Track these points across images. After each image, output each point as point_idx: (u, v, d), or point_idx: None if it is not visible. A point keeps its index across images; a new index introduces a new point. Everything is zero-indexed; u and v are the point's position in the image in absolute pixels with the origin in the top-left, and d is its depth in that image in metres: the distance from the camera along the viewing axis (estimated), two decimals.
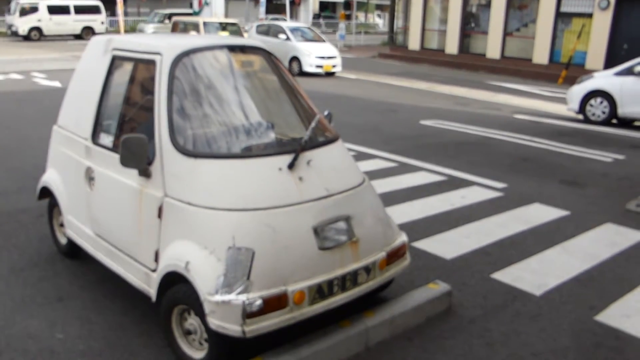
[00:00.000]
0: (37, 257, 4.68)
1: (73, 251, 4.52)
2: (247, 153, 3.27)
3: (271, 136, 3.48)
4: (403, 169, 7.45)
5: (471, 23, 22.72)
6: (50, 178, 4.49)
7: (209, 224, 3.06)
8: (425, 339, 3.59)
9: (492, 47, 21.33)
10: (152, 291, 3.36)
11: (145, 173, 3.35)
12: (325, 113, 4.13)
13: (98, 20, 30.85)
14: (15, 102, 12.04)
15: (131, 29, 35.53)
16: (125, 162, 3.24)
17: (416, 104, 13.17)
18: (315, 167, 3.34)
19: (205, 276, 2.96)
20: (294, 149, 3.30)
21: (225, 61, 3.73)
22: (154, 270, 3.34)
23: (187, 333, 3.23)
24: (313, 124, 3.45)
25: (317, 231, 3.18)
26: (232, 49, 3.81)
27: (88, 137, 3.95)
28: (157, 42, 3.64)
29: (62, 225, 4.57)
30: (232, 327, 2.90)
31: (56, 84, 14.77)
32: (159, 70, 3.42)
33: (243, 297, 2.90)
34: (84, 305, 3.93)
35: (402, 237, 3.72)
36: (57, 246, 4.73)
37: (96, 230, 3.92)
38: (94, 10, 30.89)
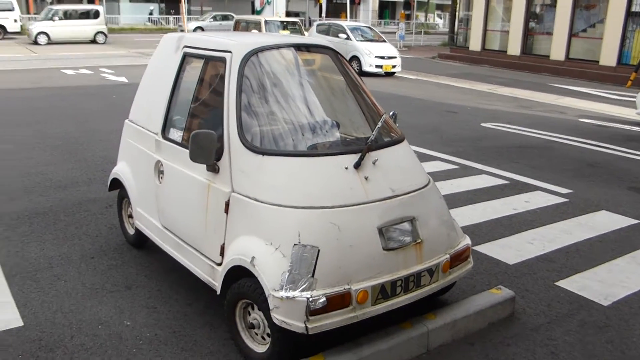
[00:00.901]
0: (106, 245, 4.85)
1: (140, 242, 4.67)
2: (314, 151, 3.29)
3: (337, 135, 3.50)
4: (464, 171, 7.36)
5: (535, 23, 22.17)
6: (121, 170, 4.64)
7: (275, 220, 3.10)
8: (488, 344, 3.54)
9: (556, 48, 20.74)
10: (216, 284, 3.43)
11: (213, 168, 3.42)
12: (391, 113, 4.12)
13: (10, 18, 27.95)
14: (84, 96, 12.49)
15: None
16: (194, 156, 3.32)
17: (477, 106, 12.95)
18: (381, 167, 3.34)
19: (271, 272, 3.01)
20: (360, 148, 3.31)
21: (293, 60, 3.77)
22: (219, 264, 3.41)
23: (250, 327, 3.28)
24: (379, 124, 3.46)
25: (382, 231, 3.18)
26: (300, 47, 3.85)
27: (158, 131, 4.07)
28: (227, 40, 3.71)
29: (130, 216, 4.72)
30: (295, 323, 2.93)
31: (123, 79, 15.26)
32: (228, 68, 3.49)
33: (307, 294, 2.93)
34: (150, 294, 4.06)
35: (466, 241, 3.68)
36: (125, 236, 4.89)
37: (164, 223, 4.03)
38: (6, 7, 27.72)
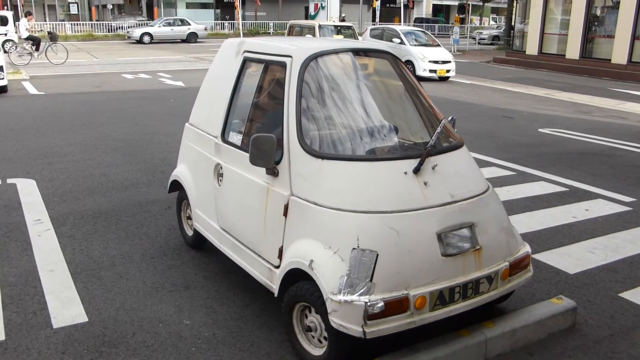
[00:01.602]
0: (165, 246, 4.98)
1: (198, 243, 4.77)
2: (373, 156, 3.30)
3: (396, 140, 3.50)
4: (521, 177, 7.21)
5: (595, 26, 21.54)
6: (181, 172, 4.76)
7: (334, 224, 3.12)
8: (547, 355, 3.46)
9: (618, 51, 20.10)
10: (274, 286, 3.47)
11: (272, 172, 3.47)
12: (449, 118, 4.08)
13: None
14: (143, 99, 12.85)
15: (249, 32, 36.89)
16: (254, 160, 3.37)
17: (533, 111, 12.68)
18: (440, 172, 3.32)
19: (329, 275, 3.03)
20: (419, 153, 3.30)
21: (352, 64, 3.79)
22: (277, 267, 3.45)
23: (307, 330, 3.31)
24: (438, 129, 3.44)
25: (441, 237, 3.16)
26: (358, 52, 3.87)
27: (218, 135, 4.15)
28: (287, 45, 3.76)
29: (189, 217, 4.83)
30: (353, 327, 2.94)
31: (179, 83, 15.62)
32: (289, 72, 3.53)
33: (365, 299, 2.93)
34: (208, 295, 4.14)
35: (526, 248, 3.61)
36: (184, 237, 5.00)
37: (222, 225, 4.11)
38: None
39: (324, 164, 3.23)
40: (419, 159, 3.25)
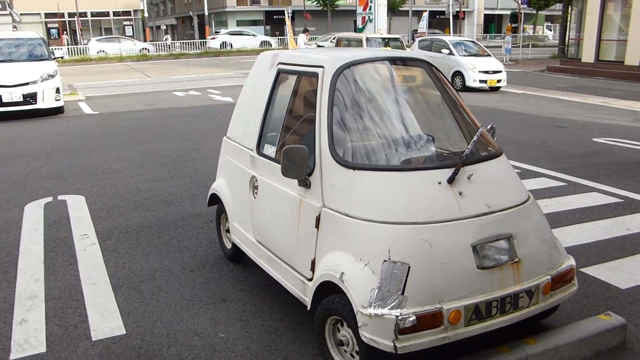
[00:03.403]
0: (205, 259, 5.00)
1: (237, 256, 4.77)
2: (406, 166, 3.22)
3: (431, 149, 3.41)
4: (572, 188, 6.95)
5: None
6: (219, 186, 4.78)
7: (365, 235, 3.05)
8: None
9: None
10: (307, 299, 3.42)
11: (304, 183, 3.43)
12: (489, 127, 3.96)
13: None
14: (192, 116, 13.09)
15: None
16: (286, 172, 3.34)
17: (589, 120, 12.27)
18: (476, 182, 3.21)
19: (359, 288, 2.96)
20: (454, 162, 3.20)
21: (386, 74, 3.73)
22: (310, 279, 3.40)
23: (339, 344, 3.24)
24: (475, 138, 3.33)
25: (477, 249, 3.04)
26: (394, 61, 3.81)
27: (253, 147, 4.15)
28: (320, 55, 3.73)
29: (227, 230, 4.84)
30: (383, 342, 2.85)
31: (228, 99, 15.85)
32: (320, 83, 3.50)
33: (396, 312, 2.84)
34: (244, 308, 4.12)
35: (570, 261, 3.45)
36: (223, 250, 5.01)
37: (258, 237, 4.10)
38: None
39: (355, 174, 3.18)
40: (454, 169, 3.15)
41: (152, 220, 6.02)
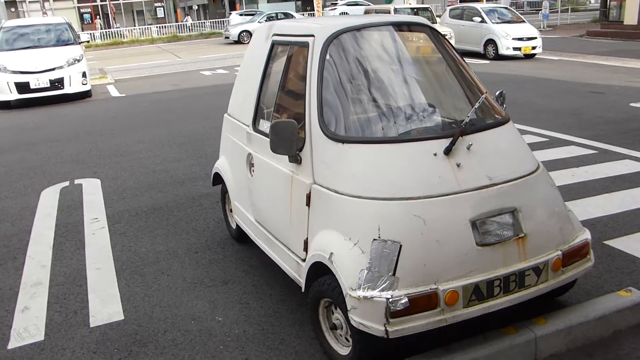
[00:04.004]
0: (211, 240, 4.88)
1: (242, 236, 4.62)
2: (398, 137, 2.99)
3: (431, 119, 3.16)
4: (603, 156, 6.56)
5: None
6: (221, 164, 4.63)
7: (354, 213, 2.85)
8: (610, 356, 3.02)
9: None
10: (302, 281, 3.25)
11: (295, 159, 3.24)
12: (497, 92, 3.68)
13: None
14: (217, 94, 12.97)
15: None
16: (275, 147, 3.15)
17: (628, 85, 11.65)
18: (477, 152, 2.96)
19: (348, 269, 2.76)
20: (452, 132, 2.95)
21: (383, 40, 3.48)
22: (304, 260, 3.23)
23: (333, 327, 3.06)
24: (477, 104, 3.07)
25: (476, 225, 2.80)
26: (392, 27, 3.54)
27: (250, 123, 3.97)
28: (312, 24, 3.51)
29: (231, 210, 4.70)
30: (374, 326, 2.66)
31: None
32: (311, 52, 3.28)
33: (387, 295, 2.64)
34: (245, 290, 3.98)
35: (585, 235, 3.17)
36: (229, 230, 4.88)
37: (256, 217, 3.94)
38: None
39: (344, 148, 2.96)
40: (451, 139, 2.90)
41: (163, 202, 5.92)
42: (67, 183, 6.92)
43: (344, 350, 3.02)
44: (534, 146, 7.06)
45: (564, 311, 3.16)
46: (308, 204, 3.14)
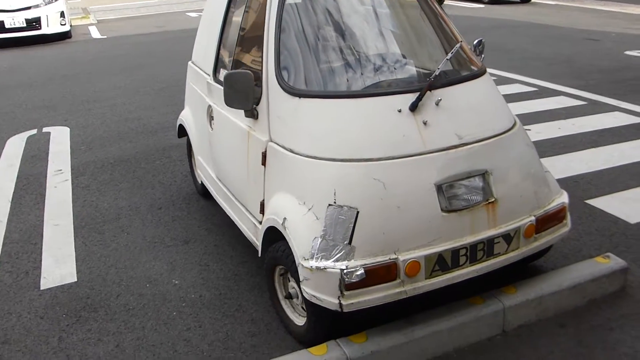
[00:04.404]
0: (177, 195, 4.65)
1: (207, 192, 4.38)
2: (359, 91, 2.72)
3: (395, 71, 2.87)
4: (592, 108, 6.29)
5: None
6: (185, 115, 4.36)
7: (309, 175, 2.61)
8: (584, 327, 2.84)
9: None
10: (258, 245, 3.04)
11: (251, 114, 2.97)
12: (476, 41, 3.39)
13: None
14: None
15: None
16: (229, 101, 2.88)
17: (625, 32, 11.26)
18: (446, 108, 2.69)
19: (302, 236, 2.54)
20: (421, 86, 2.67)
21: None
22: (260, 223, 3.01)
23: (289, 297, 2.87)
24: (449, 55, 2.78)
25: (442, 189, 2.57)
26: None
27: (210, 73, 3.68)
28: None
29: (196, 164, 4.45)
30: (327, 299, 2.46)
31: None
32: None
33: (342, 265, 2.43)
34: (206, 250, 3.78)
35: (562, 198, 2.94)
36: (195, 185, 4.65)
37: (217, 173, 3.70)
38: None
39: (301, 102, 2.69)
40: (419, 93, 2.63)
41: (132, 153, 5.66)
42: (34, 131, 6.62)
43: (300, 320, 2.84)
44: (521, 96, 6.77)
45: (536, 279, 2.97)
46: (264, 163, 2.89)
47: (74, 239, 4.04)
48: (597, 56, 9.02)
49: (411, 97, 2.63)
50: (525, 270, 3.17)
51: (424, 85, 2.65)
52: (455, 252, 2.58)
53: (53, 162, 5.56)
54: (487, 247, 2.65)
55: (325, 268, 2.44)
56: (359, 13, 3.06)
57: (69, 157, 5.67)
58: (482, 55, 3.36)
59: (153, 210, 4.40)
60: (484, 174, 2.67)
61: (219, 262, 3.63)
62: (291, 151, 2.68)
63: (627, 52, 9.21)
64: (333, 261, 2.45)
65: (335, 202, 2.49)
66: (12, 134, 6.56)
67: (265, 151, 2.86)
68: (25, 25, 12.70)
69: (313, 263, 2.47)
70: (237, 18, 3.47)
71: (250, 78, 2.82)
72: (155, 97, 7.77)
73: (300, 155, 2.63)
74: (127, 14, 18.15)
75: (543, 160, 4.78)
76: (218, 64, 3.62)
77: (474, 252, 2.63)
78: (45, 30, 12.91)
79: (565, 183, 4.39)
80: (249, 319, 3.07)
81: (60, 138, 6.28)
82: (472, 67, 3.00)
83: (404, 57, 2.92)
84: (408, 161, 2.55)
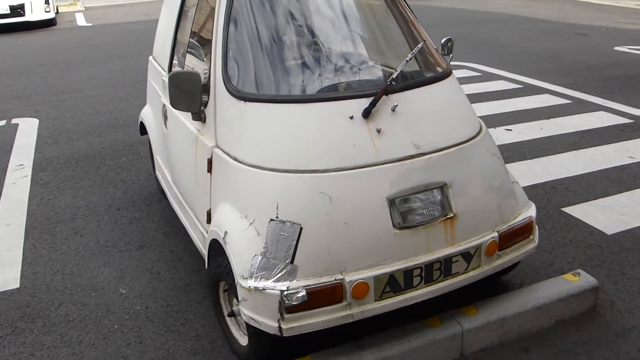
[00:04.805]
0: (138, 195, 4.45)
1: None
2: (308, 96, 2.51)
3: (352, 73, 2.66)
4: (577, 107, 6.09)
5: None
6: (145, 113, 4.16)
7: (252, 186, 2.40)
8: (547, 351, 2.65)
9: None
10: (205, 257, 2.84)
11: (199, 117, 2.76)
12: (443, 40, 3.18)
13: None
14: None
15: None
16: (175, 102, 2.67)
17: (616, 26, 11.06)
18: (403, 115, 2.48)
19: (241, 253, 2.34)
20: (376, 90, 2.47)
21: None
22: (208, 233, 2.81)
23: (232, 314, 2.67)
24: (408, 57, 2.57)
25: (395, 203, 2.37)
26: None
27: (166, 70, 3.47)
28: None
29: None
30: (266, 322, 2.27)
31: None
32: None
33: (282, 286, 2.24)
34: (160, 256, 3.58)
35: (529, 212, 2.75)
36: (158, 185, 4.43)
37: (171, 176, 3.49)
38: None
39: (246, 107, 2.48)
40: (373, 98, 2.43)
41: (98, 148, 5.45)
42: (3, 122, 6.41)
43: (244, 340, 2.64)
44: (505, 94, 6.57)
45: (499, 299, 2.77)
46: (209, 170, 2.68)
47: (24, 241, 3.84)
48: (585, 51, 8.81)
49: (365, 103, 2.43)
50: (488, 287, 2.98)
51: (380, 90, 2.44)
52: (408, 272, 2.38)
53: (16, 156, 5.35)
54: (444, 267, 2.46)
55: (264, 289, 2.25)
56: (314, 11, 2.84)
57: (33, 151, 5.46)
58: (451, 55, 3.15)
59: (111, 211, 4.20)
60: (442, 187, 2.47)
61: (172, 269, 3.43)
62: (235, 159, 2.48)
63: (617, 48, 9.01)
64: (273, 281, 2.25)
65: (277, 217, 2.29)
66: None
67: (211, 157, 2.66)
68: (9, 12, 12.46)
69: (252, 283, 2.27)
70: (191, 12, 3.26)
71: (197, 78, 2.61)
72: (130, 90, 7.54)
73: (244, 164, 2.43)
74: (115, 1, 17.87)
75: (521, 163, 4.65)
76: (173, 60, 3.40)
77: (429, 272, 2.43)
78: (29, 17, 12.66)
79: (543, 189, 4.20)
80: (194, 335, 2.87)
81: (27, 130, 6.07)
82: (437, 69, 2.80)
83: (361, 58, 2.70)
84: (358, 173, 2.34)
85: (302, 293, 2.23)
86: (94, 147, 5.49)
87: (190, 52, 3.12)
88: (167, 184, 3.63)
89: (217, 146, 2.63)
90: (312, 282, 2.26)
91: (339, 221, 2.29)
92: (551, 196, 4.07)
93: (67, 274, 3.45)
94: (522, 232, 2.69)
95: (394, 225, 2.35)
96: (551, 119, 5.65)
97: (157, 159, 3.89)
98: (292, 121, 2.41)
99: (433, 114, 2.58)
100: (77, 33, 12.56)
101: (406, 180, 2.40)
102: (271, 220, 2.30)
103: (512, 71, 7.58)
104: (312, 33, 2.76)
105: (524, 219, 2.69)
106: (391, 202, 2.36)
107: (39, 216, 4.17)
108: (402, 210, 2.39)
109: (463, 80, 7.02)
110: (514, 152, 4.89)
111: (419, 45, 2.67)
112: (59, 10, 14.75)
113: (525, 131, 5.33)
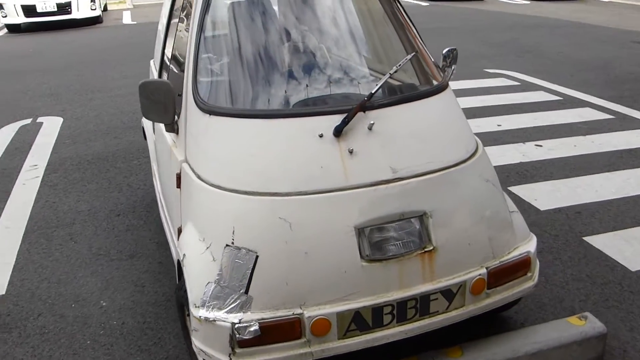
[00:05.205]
0: (140, 200, 4.35)
1: None
2: (276, 111, 2.32)
3: (326, 86, 2.45)
4: (619, 123, 5.66)
5: None
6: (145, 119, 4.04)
7: (211, 207, 2.23)
8: None
9: None
10: (176, 276, 2.69)
11: (172, 128, 2.61)
12: (446, 51, 2.93)
13: None
14: None
15: None
16: (146, 112, 2.54)
17: None
18: (381, 134, 2.25)
19: (196, 279, 2.17)
20: (352, 106, 2.25)
21: None
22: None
23: None
24: (393, 69, 2.34)
25: (365, 233, 2.15)
26: None
27: (156, 76, 3.35)
28: None
29: None
30: (216, 356, 2.10)
31: None
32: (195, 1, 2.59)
33: (234, 318, 2.05)
34: (148, 268, 3.46)
35: (528, 246, 2.46)
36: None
37: (160, 186, 3.37)
38: None
39: (210, 121, 2.31)
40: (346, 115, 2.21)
41: (113, 150, 5.40)
42: (29, 120, 6.47)
43: None
44: (541, 106, 6.18)
45: (488, 341, 2.50)
46: (179, 185, 2.53)
47: (20, 245, 3.79)
48: (638, 62, 8.27)
49: (338, 120, 2.21)
50: (480, 324, 2.71)
51: (355, 105, 2.22)
52: (377, 309, 2.16)
53: (32, 156, 5.36)
54: (420, 305, 2.22)
55: (215, 320, 2.07)
56: (287, 20, 2.65)
57: (50, 151, 5.46)
58: (453, 67, 2.89)
59: (111, 216, 4.11)
60: (421, 216, 2.23)
61: (157, 282, 3.30)
62: (198, 177, 2.31)
63: None
64: (225, 312, 2.07)
65: (233, 243, 2.11)
66: (7, 122, 6.42)
67: (180, 172, 2.50)
68: (56, 9, 12.72)
69: (203, 312, 2.09)
70: (175, 19, 3.13)
71: (169, 88, 2.45)
72: None
73: (206, 182, 2.25)
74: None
75: (547, 184, 4.31)
76: (162, 67, 3.28)
77: (402, 310, 2.20)
78: (75, 14, 12.91)
79: (566, 213, 3.87)
80: (164, 356, 2.72)
81: (49, 130, 6.09)
82: (432, 82, 2.56)
83: (338, 71, 2.49)
84: (323, 198, 2.13)
85: (255, 327, 2.04)
86: (109, 148, 5.45)
87: (173, 60, 2.98)
88: (157, 193, 3.51)
89: (186, 161, 2.47)
90: (268, 315, 2.07)
91: (299, 250, 2.09)
92: (574, 223, 3.74)
93: (54, 282, 3.36)
94: (517, 268, 2.41)
95: (362, 257, 2.13)
96: (588, 136, 5.26)
97: (152, 165, 3.77)
98: (256, 138, 2.22)
99: (416, 133, 2.33)
100: (121, 31, 12.73)
101: (379, 207, 2.17)
102: (227, 245, 2.12)
103: (553, 81, 7.16)
104: (284, 44, 2.57)
105: (520, 255, 2.42)
106: (360, 231, 2.14)
107: (40, 219, 4.13)
108: (374, 241, 2.16)
109: (498, 90, 6.66)
110: (540, 171, 4.56)
111: (406, 58, 2.44)
112: (108, 8, 15.02)
113: (557, 148, 4.97)
